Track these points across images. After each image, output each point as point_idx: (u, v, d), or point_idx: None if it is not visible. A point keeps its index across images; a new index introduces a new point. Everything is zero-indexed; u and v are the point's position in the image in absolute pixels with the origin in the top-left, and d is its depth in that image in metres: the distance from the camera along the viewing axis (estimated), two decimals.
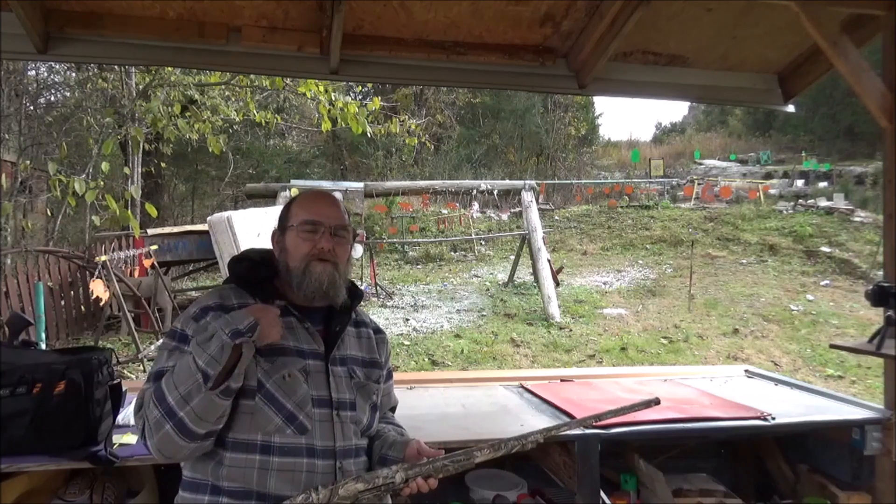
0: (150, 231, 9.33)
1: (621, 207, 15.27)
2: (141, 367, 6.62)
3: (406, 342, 7.54)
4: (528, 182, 10.79)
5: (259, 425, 1.36)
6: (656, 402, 1.54)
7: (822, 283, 10.42)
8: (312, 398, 1.41)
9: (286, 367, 1.40)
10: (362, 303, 1.64)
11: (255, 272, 1.51)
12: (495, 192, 12.03)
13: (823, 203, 14.19)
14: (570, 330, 8.14)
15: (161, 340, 1.44)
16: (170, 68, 7.65)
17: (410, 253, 13.09)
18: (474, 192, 11.80)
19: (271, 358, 1.40)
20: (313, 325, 1.48)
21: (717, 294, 9.91)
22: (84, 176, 5.61)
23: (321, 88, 6.45)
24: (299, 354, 1.43)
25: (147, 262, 8.09)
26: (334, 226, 1.48)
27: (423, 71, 2.62)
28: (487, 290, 10.46)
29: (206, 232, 8.64)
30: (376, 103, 6.70)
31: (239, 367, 1.29)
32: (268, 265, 1.53)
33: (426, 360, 6.97)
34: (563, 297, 9.53)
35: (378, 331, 1.67)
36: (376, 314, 8.64)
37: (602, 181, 17.81)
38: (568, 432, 2.03)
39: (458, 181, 12.27)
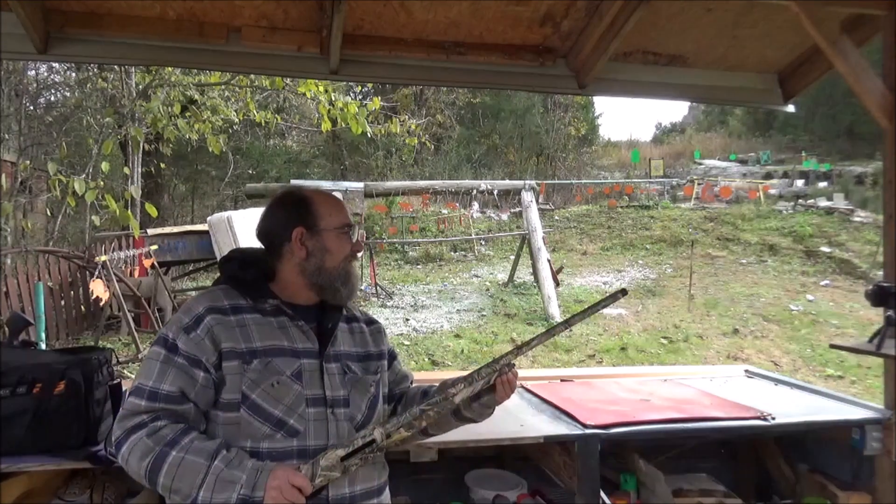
0: (150, 231, 9.33)
1: (621, 207, 15.27)
2: None
3: (406, 342, 7.54)
4: (528, 182, 10.78)
5: (247, 433, 1.37)
6: (623, 292, 1.53)
7: (822, 283, 10.42)
8: (307, 398, 1.41)
9: (278, 373, 1.39)
10: (363, 302, 1.65)
11: (245, 272, 1.51)
12: (495, 192, 12.02)
13: (823, 203, 14.18)
14: (570, 330, 8.13)
15: (152, 346, 1.43)
16: (170, 68, 7.65)
17: (410, 253, 13.09)
18: (474, 192, 11.80)
19: (265, 360, 1.39)
20: (306, 323, 1.48)
21: (717, 294, 9.91)
22: (84, 176, 5.62)
23: (321, 88, 6.46)
24: (294, 354, 1.43)
25: (147, 262, 8.10)
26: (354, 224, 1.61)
27: (423, 71, 2.62)
28: (487, 290, 10.46)
29: (206, 232, 8.65)
30: (376, 103, 6.70)
31: None
32: (256, 265, 1.53)
33: (426, 360, 6.98)
34: (563, 297, 9.53)
35: (370, 322, 1.67)
36: (376, 314, 8.62)
37: (602, 181, 17.80)
38: (569, 432, 2.04)
39: (458, 181, 12.26)
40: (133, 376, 6.59)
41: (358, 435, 1.37)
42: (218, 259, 8.20)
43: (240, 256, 1.56)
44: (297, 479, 1.29)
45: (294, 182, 11.13)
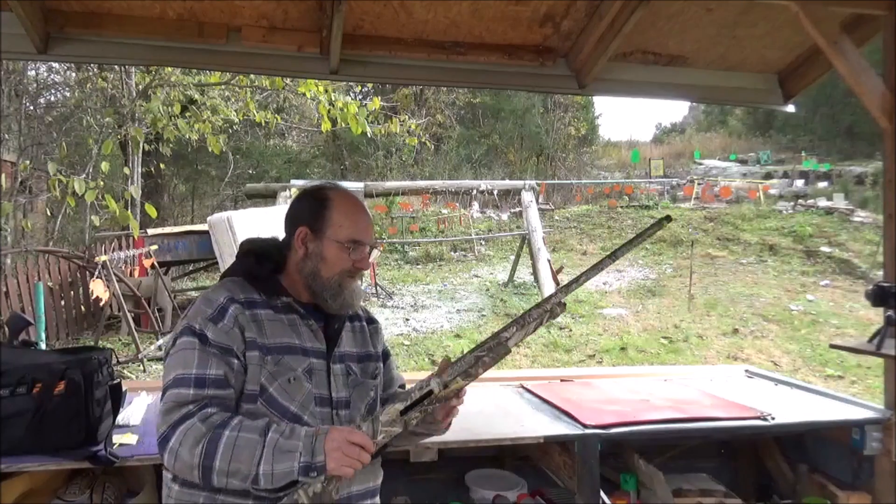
0: (150, 231, 9.33)
1: (621, 207, 15.26)
2: (141, 367, 6.62)
3: (406, 342, 7.54)
4: (528, 182, 10.80)
5: None
6: (668, 219, 1.46)
7: (822, 283, 10.42)
8: (315, 397, 1.41)
9: (292, 370, 1.39)
10: (363, 302, 1.64)
11: (261, 267, 1.49)
12: (495, 192, 12.03)
13: (823, 203, 14.18)
14: (570, 330, 8.14)
15: (179, 337, 1.40)
16: (170, 68, 7.65)
17: (410, 253, 13.08)
18: (474, 192, 11.81)
19: (277, 357, 1.39)
20: (315, 323, 1.47)
21: (717, 294, 9.90)
22: (84, 176, 5.61)
23: (321, 88, 6.45)
24: (304, 353, 1.43)
25: (147, 262, 8.10)
26: (372, 244, 1.52)
27: (423, 71, 2.62)
28: (487, 290, 10.46)
29: (206, 232, 8.64)
30: (376, 103, 6.69)
31: (289, 497, 1.26)
32: (270, 259, 1.51)
33: (426, 360, 6.98)
34: None
35: (371, 321, 1.66)
36: (376, 314, 8.63)
37: (602, 181, 17.79)
38: (569, 432, 2.04)
39: (458, 181, 12.27)
40: (133, 376, 6.56)
41: (415, 387, 1.34)
42: (218, 259, 8.25)
43: (257, 250, 1.53)
44: (356, 437, 1.26)
45: (294, 182, 11.11)
